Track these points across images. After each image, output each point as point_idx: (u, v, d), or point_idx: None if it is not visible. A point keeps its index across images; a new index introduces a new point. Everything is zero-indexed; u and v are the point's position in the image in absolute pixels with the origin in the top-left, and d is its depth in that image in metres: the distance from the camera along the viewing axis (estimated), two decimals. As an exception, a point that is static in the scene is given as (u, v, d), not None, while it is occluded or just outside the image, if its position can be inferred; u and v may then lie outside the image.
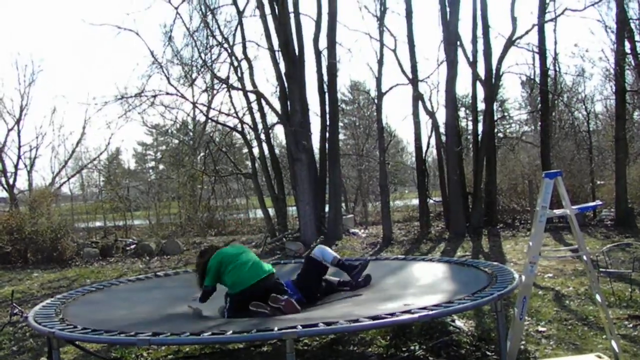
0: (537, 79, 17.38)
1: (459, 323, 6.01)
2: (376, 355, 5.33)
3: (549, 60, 16.82)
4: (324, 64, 16.03)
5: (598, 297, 4.90)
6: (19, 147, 27.09)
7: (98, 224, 22.54)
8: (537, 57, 16.83)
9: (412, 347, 5.40)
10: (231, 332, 4.02)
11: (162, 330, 4.09)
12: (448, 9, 15.10)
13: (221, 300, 5.77)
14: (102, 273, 12.62)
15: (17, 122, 27.04)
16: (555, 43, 17.83)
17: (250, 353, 5.75)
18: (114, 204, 22.70)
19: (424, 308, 4.21)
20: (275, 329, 3.92)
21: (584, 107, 19.59)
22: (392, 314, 4.09)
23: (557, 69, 18.09)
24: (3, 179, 26.58)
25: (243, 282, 5.53)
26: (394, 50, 15.92)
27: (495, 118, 17.14)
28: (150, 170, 40.77)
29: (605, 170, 18.20)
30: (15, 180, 26.74)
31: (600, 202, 7.53)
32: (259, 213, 19.92)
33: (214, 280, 5.74)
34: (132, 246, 16.58)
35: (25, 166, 27.20)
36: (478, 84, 15.86)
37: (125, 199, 23.55)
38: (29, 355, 6.42)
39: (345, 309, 5.22)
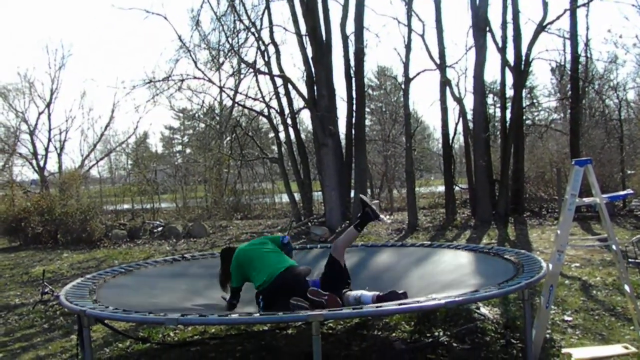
0: (568, 66, 17.09)
1: (484, 310, 6.00)
2: (400, 340, 5.35)
3: (580, 47, 16.52)
4: (351, 49, 15.94)
5: (627, 288, 4.86)
6: (49, 130, 27.64)
7: (126, 206, 22.86)
8: (568, 43, 16.55)
9: (437, 333, 5.41)
10: (258, 313, 4.06)
11: (189, 311, 4.15)
12: (478, -6, 14.89)
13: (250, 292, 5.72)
14: (129, 254, 12.82)
15: (48, 105, 27.56)
16: (587, 29, 17.55)
17: (275, 335, 5.81)
18: (142, 187, 22.98)
19: (450, 295, 4.20)
20: (301, 311, 3.95)
21: (615, 94, 19.20)
22: (418, 300, 4.09)
23: (589, 56, 17.78)
24: (34, 161, 27.13)
25: (271, 272, 5.29)
26: (422, 35, 15.81)
27: (524, 105, 16.92)
28: (178, 154, 41.18)
29: (636, 159, 17.88)
30: (45, 162, 27.33)
31: (631, 191, 7.42)
32: (285, 197, 19.99)
33: (239, 280, 5.58)
34: (159, 228, 16.79)
35: (56, 149, 27.75)
36: (507, 70, 15.64)
37: (153, 182, 23.82)
38: (59, 332, 6.58)
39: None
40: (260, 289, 5.32)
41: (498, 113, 19.08)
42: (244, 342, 5.63)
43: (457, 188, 17.60)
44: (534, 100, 20.71)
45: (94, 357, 4.92)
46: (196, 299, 5.62)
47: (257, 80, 18.75)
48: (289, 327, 5.94)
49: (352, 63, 15.96)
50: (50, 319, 7.22)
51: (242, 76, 19.85)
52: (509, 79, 15.84)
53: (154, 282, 6.07)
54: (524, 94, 16.76)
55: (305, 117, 25.77)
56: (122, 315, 4.38)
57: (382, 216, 5.77)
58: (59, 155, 27.84)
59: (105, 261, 12.10)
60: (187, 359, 5.31)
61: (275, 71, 17.02)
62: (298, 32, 16.04)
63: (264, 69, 17.28)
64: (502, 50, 15.35)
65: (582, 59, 17.03)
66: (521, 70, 15.32)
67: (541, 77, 57.78)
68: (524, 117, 17.18)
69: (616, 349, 4.83)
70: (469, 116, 15.98)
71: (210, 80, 17.31)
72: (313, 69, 15.63)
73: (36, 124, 27.65)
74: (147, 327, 6.15)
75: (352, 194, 16.23)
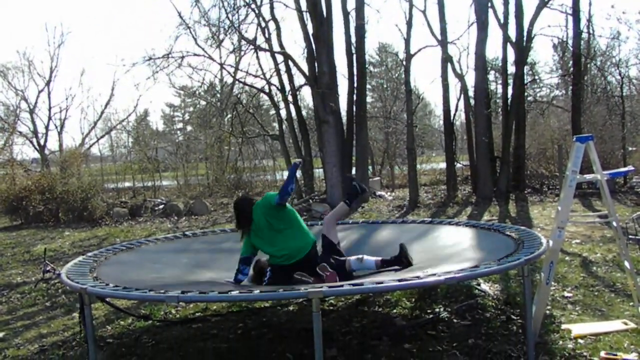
0: (570, 42, 16.97)
1: (484, 287, 6.02)
2: (401, 317, 5.37)
3: (583, 22, 16.40)
4: (352, 25, 15.82)
5: (627, 264, 4.86)
6: (49, 109, 27.62)
7: (127, 184, 22.89)
8: (570, 18, 16.41)
9: (437, 310, 5.43)
10: (258, 290, 4.07)
11: (190, 288, 4.16)
12: (480, -31, 14.73)
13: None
14: (131, 232, 12.86)
15: (47, 83, 27.49)
16: (590, 4, 17.35)
17: (276, 312, 5.84)
18: (143, 165, 22.99)
19: (450, 271, 4.20)
20: (302, 288, 3.95)
21: (617, 71, 19.12)
22: (418, 276, 4.09)
23: (591, 32, 17.65)
24: (34, 140, 27.12)
25: (292, 255, 5.15)
26: (424, 11, 15.70)
27: (526, 81, 16.84)
28: (178, 132, 41.12)
29: (637, 136, 17.86)
30: (46, 141, 27.34)
31: (632, 168, 7.38)
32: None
33: (249, 250, 5.31)
34: (161, 206, 16.81)
35: (56, 127, 27.75)
36: (509, 47, 15.54)
37: (154, 160, 23.81)
38: (61, 310, 6.61)
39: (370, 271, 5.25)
40: (275, 262, 5.21)
41: (499, 89, 19.02)
42: (245, 319, 5.66)
43: (458, 165, 17.60)
44: (536, 77, 20.56)
45: (96, 334, 4.94)
46: (198, 275, 5.63)
47: (257, 57, 18.66)
48: (291, 304, 5.97)
49: (353, 39, 15.87)
50: (52, 297, 7.26)
51: (242, 53, 19.73)
52: (511, 55, 15.79)
53: (155, 259, 6.08)
54: (525, 71, 16.66)
55: (306, 94, 25.71)
56: (123, 292, 4.38)
57: (365, 187, 5.97)
58: (60, 133, 27.85)
59: (106, 239, 12.13)
60: (188, 335, 5.34)
61: (276, 48, 16.94)
62: (298, 8, 15.89)
63: (264, 45, 17.18)
64: (504, 26, 15.23)
65: (585, 35, 16.93)
66: (523, 46, 15.21)
67: (543, 54, 57.57)
68: (526, 94, 17.10)
69: (615, 324, 4.85)
70: (471, 93, 15.92)
71: (210, 57, 17.24)
72: (314, 46, 15.53)
73: (36, 102, 27.63)
74: (149, 305, 6.18)
75: (354, 170, 16.24)
